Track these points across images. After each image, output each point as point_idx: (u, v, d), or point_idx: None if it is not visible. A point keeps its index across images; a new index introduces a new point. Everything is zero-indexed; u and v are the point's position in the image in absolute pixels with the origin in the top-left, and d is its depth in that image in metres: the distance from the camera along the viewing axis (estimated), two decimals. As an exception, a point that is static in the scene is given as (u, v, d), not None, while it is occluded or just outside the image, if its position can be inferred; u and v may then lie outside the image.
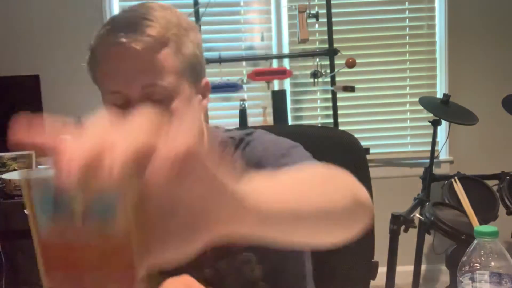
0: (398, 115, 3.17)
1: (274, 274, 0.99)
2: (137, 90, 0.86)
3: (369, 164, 1.30)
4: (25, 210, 0.45)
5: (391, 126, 3.17)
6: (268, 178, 0.59)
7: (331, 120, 2.86)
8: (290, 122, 3.00)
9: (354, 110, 3.13)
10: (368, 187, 1.29)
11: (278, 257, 0.97)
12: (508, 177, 2.55)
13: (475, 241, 0.86)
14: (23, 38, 2.99)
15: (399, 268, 2.37)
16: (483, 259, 0.84)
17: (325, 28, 2.82)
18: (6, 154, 2.64)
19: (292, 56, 3.01)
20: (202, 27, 2.82)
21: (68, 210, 0.42)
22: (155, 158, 0.42)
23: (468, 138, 3.13)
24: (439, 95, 3.00)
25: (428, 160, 2.75)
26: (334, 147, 1.29)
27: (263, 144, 0.99)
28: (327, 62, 2.83)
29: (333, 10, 2.82)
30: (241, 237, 0.51)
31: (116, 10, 3.04)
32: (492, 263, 0.83)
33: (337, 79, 2.86)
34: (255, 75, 2.69)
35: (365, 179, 1.29)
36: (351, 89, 2.58)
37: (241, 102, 2.78)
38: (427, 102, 2.65)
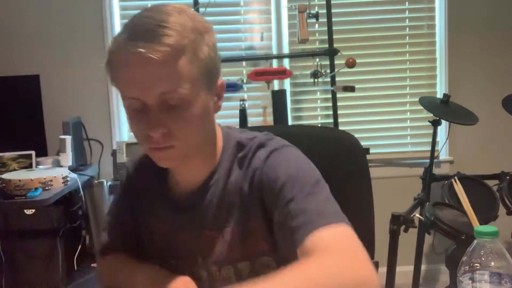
0: (398, 115, 3.17)
1: None
2: (154, 97, 0.89)
3: (369, 164, 1.30)
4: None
5: (391, 126, 3.17)
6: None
7: (331, 120, 2.86)
8: (290, 122, 3.00)
9: (354, 110, 3.13)
10: (368, 187, 1.30)
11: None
12: (508, 177, 2.55)
13: (475, 241, 0.86)
14: (24, 38, 2.99)
15: (399, 268, 2.36)
16: (483, 259, 0.84)
17: (325, 28, 2.82)
18: (6, 154, 2.64)
19: (292, 56, 3.01)
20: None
21: None
22: None
23: (468, 138, 3.13)
24: (439, 95, 3.00)
25: (428, 160, 2.75)
26: (334, 147, 1.29)
27: (288, 167, 0.97)
28: (327, 62, 2.83)
29: (333, 10, 2.82)
30: None
31: (116, 10, 3.04)
32: (492, 263, 0.83)
33: (337, 79, 2.86)
34: (255, 75, 2.69)
35: (365, 179, 1.29)
36: (351, 89, 2.58)
37: (241, 102, 2.78)
38: (427, 102, 2.65)
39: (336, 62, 2.81)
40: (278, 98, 2.78)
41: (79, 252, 2.51)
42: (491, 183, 2.63)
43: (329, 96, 2.96)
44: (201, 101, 0.94)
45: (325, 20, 2.81)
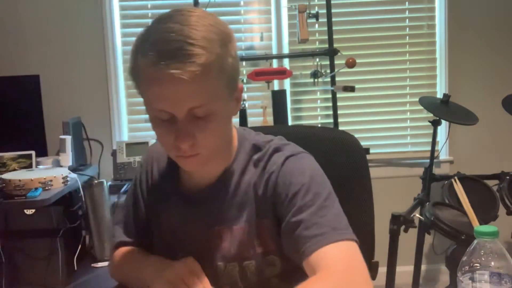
0: (398, 115, 3.17)
1: (291, 272, 1.03)
2: (183, 112, 0.92)
3: (369, 164, 1.30)
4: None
5: (391, 126, 3.17)
6: None
7: (331, 120, 2.86)
8: (290, 122, 3.00)
9: (354, 110, 3.13)
10: (368, 187, 1.30)
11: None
12: (508, 177, 2.55)
13: (475, 241, 0.86)
14: (24, 38, 2.99)
15: (399, 268, 2.36)
16: (483, 259, 0.84)
17: (325, 28, 2.82)
18: (6, 154, 2.63)
19: (292, 56, 3.01)
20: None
21: None
22: None
23: (468, 138, 3.13)
24: (439, 95, 3.00)
25: (428, 160, 2.75)
26: (334, 147, 1.29)
27: (303, 174, 1.01)
28: (327, 62, 2.83)
29: (333, 10, 2.82)
30: None
31: (116, 10, 3.04)
32: (492, 263, 0.83)
33: (337, 79, 2.86)
34: (255, 75, 2.69)
35: (365, 179, 1.29)
36: (351, 89, 2.58)
37: (241, 102, 2.78)
38: (427, 102, 2.65)
39: (336, 62, 2.81)
40: (278, 98, 2.78)
41: (79, 252, 2.51)
42: (491, 183, 2.63)
43: (329, 96, 2.96)
44: (224, 109, 0.98)
45: (325, 20, 2.81)
